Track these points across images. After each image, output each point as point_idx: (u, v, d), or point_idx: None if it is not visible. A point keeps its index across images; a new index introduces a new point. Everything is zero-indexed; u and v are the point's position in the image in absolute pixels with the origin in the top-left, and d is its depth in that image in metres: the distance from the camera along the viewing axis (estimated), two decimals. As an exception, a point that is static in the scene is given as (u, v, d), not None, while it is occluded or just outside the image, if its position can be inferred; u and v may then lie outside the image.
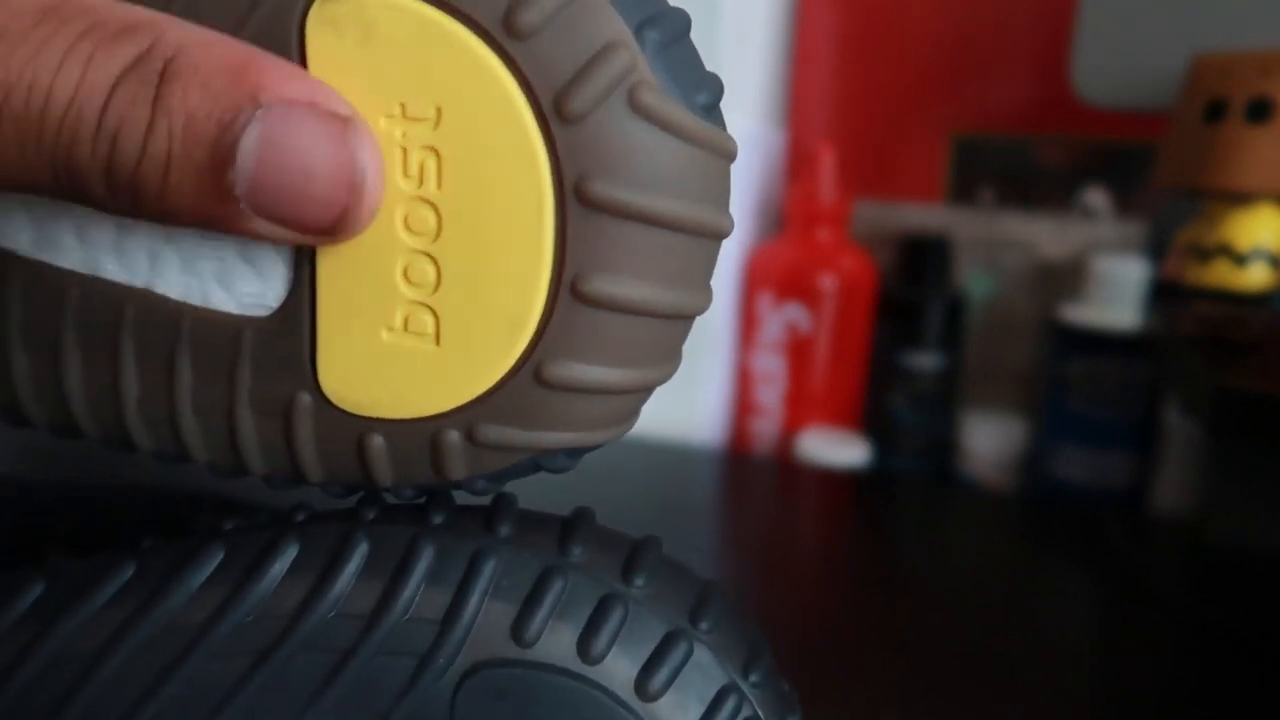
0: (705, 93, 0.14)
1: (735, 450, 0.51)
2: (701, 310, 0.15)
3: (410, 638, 0.14)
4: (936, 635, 0.31)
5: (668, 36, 0.13)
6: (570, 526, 0.15)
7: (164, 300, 0.14)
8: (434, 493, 0.16)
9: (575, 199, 0.13)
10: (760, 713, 0.15)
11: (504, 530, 0.15)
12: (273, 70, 0.12)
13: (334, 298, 0.14)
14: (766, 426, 0.51)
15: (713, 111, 0.14)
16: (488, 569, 0.14)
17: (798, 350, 0.49)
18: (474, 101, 0.13)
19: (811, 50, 0.54)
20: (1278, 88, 0.35)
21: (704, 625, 0.15)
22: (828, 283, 0.48)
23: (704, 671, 0.14)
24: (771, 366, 0.50)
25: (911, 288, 0.49)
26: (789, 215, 0.50)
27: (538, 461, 0.15)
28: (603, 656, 0.14)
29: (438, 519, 0.15)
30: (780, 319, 0.49)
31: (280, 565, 0.14)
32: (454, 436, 0.14)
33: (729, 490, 0.44)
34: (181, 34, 0.12)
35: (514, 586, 0.14)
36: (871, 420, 0.51)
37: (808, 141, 0.54)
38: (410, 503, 0.16)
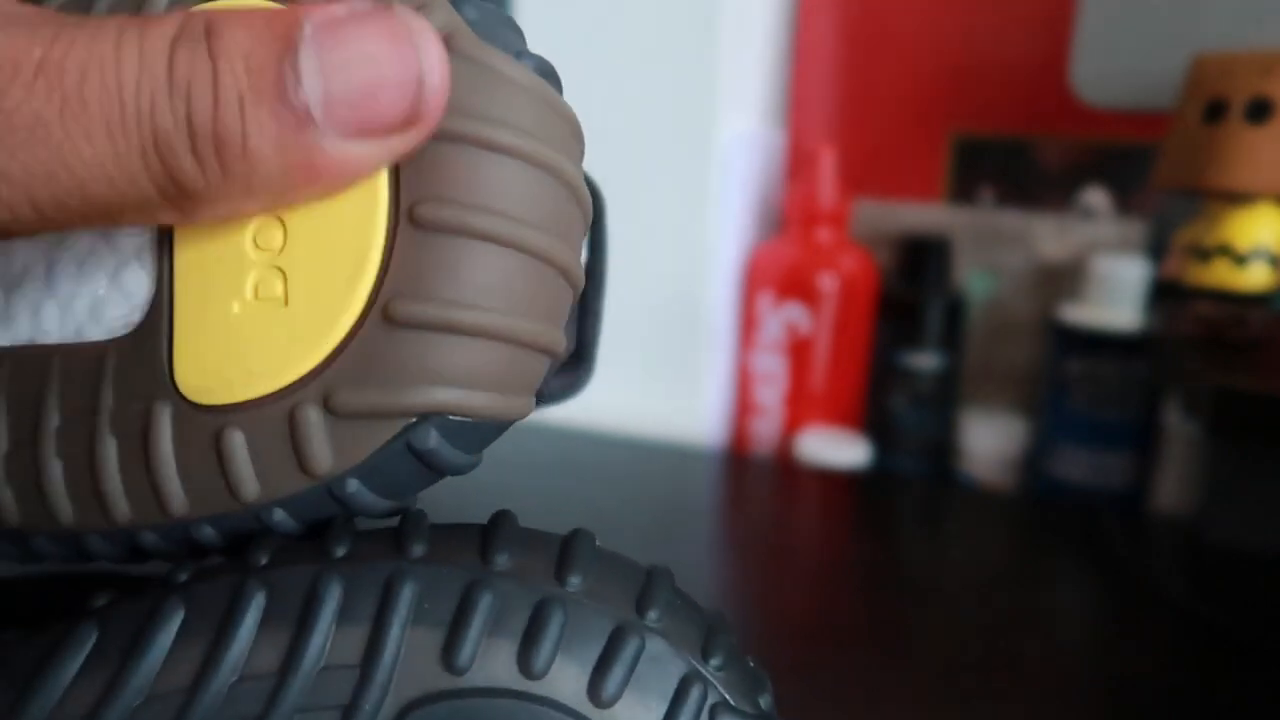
0: (528, 58, 0.14)
1: (735, 450, 0.51)
2: (556, 256, 0.14)
3: (329, 689, 0.12)
4: (936, 635, 0.31)
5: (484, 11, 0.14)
6: (491, 533, 0.14)
7: (40, 348, 0.14)
8: (330, 524, 0.14)
9: None
10: (728, 696, 0.14)
11: (417, 549, 0.13)
12: (303, 2, 0.12)
13: (190, 285, 0.14)
14: (766, 426, 0.51)
15: (544, 73, 0.14)
16: (405, 595, 0.13)
17: (798, 350, 0.49)
18: None
19: (811, 50, 0.54)
20: (1278, 88, 0.35)
21: (653, 614, 0.14)
22: (828, 283, 0.48)
23: (661, 664, 0.13)
24: (771, 366, 0.50)
25: (911, 288, 0.49)
26: (789, 215, 0.50)
27: (415, 448, 0.13)
28: (547, 668, 0.13)
29: (340, 550, 0.14)
30: (780, 319, 0.49)
31: (165, 636, 0.13)
32: (311, 412, 0.13)
33: (729, 490, 0.44)
34: (204, 8, 0.12)
35: (437, 609, 0.13)
36: (871, 420, 0.51)
37: (808, 141, 0.54)
38: (309, 539, 0.14)
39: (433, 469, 0.14)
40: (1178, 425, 0.42)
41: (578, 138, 0.15)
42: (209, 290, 0.13)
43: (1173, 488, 0.43)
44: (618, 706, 0.13)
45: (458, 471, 0.14)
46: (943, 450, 0.50)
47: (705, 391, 0.50)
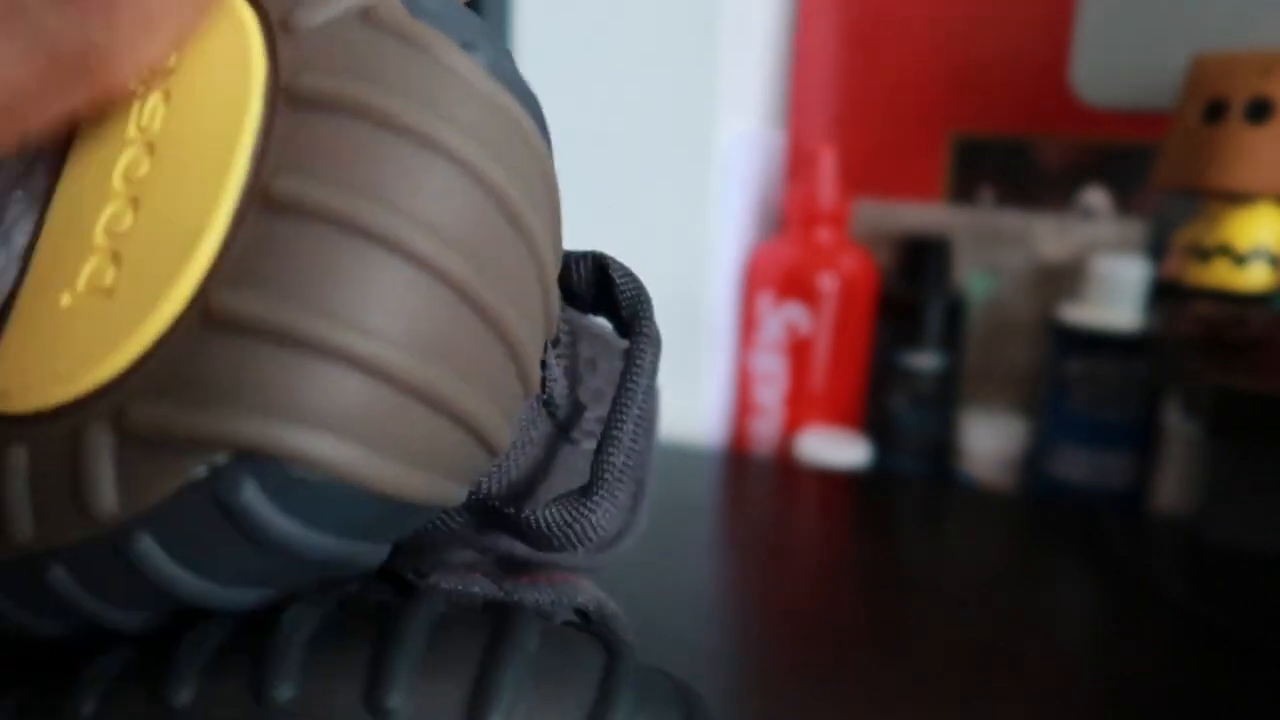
0: (481, 52, 0.11)
1: (735, 450, 0.51)
2: (477, 292, 0.11)
3: None
4: (937, 635, 0.31)
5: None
6: (381, 663, 0.10)
7: None
8: (179, 643, 0.11)
9: (286, 99, 0.11)
10: None
11: (283, 692, 0.10)
12: None
13: (39, 270, 0.12)
14: (766, 426, 0.51)
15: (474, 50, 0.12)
16: None
17: (798, 350, 0.49)
18: (209, 32, 0.11)
19: (811, 50, 0.54)
20: (1278, 88, 0.35)
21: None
22: (828, 283, 0.48)
23: None
24: (771, 366, 0.50)
25: (911, 288, 0.49)
26: (789, 215, 0.50)
27: (222, 500, 0.10)
28: None
29: (183, 696, 0.10)
30: (780, 319, 0.49)
31: None
32: (98, 432, 0.10)
33: (729, 490, 0.44)
34: None
35: None
36: (871, 420, 0.51)
37: (808, 141, 0.54)
38: (146, 664, 0.11)
39: (254, 541, 0.10)
40: (1178, 425, 0.42)
41: (535, 168, 0.12)
42: (50, 278, 0.11)
43: (1173, 488, 0.43)
44: None
45: (312, 559, 0.10)
46: (943, 450, 0.50)
47: (705, 391, 0.50)
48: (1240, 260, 0.37)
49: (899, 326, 0.49)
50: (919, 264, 0.49)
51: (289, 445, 0.09)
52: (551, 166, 0.12)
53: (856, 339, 0.50)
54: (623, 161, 0.48)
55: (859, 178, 0.53)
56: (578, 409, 0.16)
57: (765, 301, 0.50)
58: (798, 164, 0.55)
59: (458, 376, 0.11)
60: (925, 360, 0.49)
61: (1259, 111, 0.35)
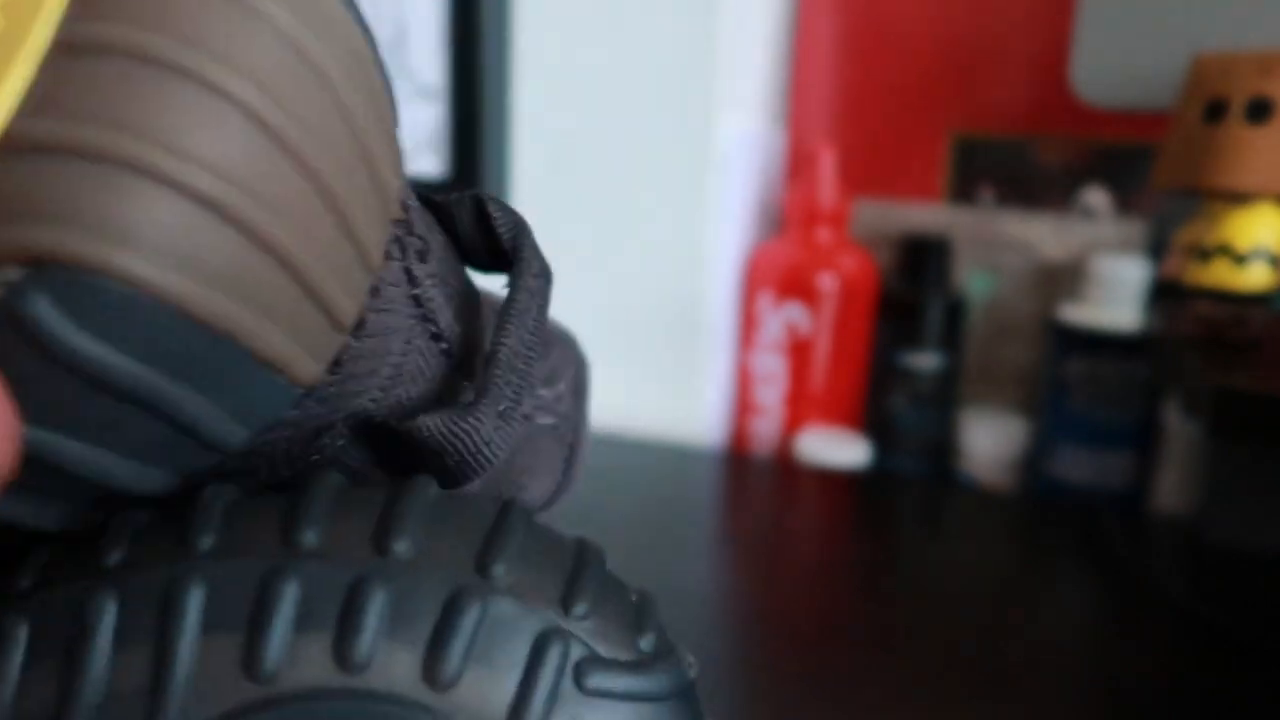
0: None
1: (735, 450, 0.51)
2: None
3: None
4: (936, 635, 0.31)
5: None
6: (296, 506, 0.12)
7: None
8: (107, 524, 0.12)
9: None
10: (596, 648, 0.12)
11: (205, 542, 0.11)
12: None
13: None
14: (766, 426, 0.51)
15: None
16: (191, 602, 0.11)
17: (798, 350, 0.49)
18: None
19: (811, 50, 0.54)
20: (1278, 88, 0.35)
21: (499, 569, 0.12)
22: (828, 283, 0.48)
23: (509, 627, 0.11)
24: (771, 366, 0.50)
25: (911, 288, 0.49)
26: (789, 215, 0.50)
27: (17, 313, 0.09)
28: (370, 658, 0.11)
29: (114, 556, 0.11)
30: (780, 319, 0.49)
31: None
32: None
33: (729, 490, 0.44)
34: None
35: (232, 611, 0.11)
36: (871, 420, 0.51)
37: (808, 141, 0.54)
38: (77, 542, 0.12)
39: (52, 360, 0.09)
40: (1178, 425, 0.42)
41: (346, 44, 0.12)
42: None
43: (1173, 488, 0.43)
44: (460, 686, 0.11)
45: (120, 385, 0.10)
46: (943, 450, 0.50)
47: (705, 391, 0.50)
48: (1240, 260, 0.37)
49: (899, 326, 0.49)
50: (919, 264, 0.49)
51: (81, 253, 0.09)
52: (366, 47, 0.12)
53: (856, 339, 0.50)
54: (623, 161, 0.48)
55: (859, 178, 0.53)
56: (496, 362, 0.15)
57: (765, 301, 0.50)
58: (798, 164, 0.55)
59: (268, 210, 0.10)
60: (925, 360, 0.49)
61: (1259, 111, 0.35)
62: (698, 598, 0.33)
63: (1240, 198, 0.37)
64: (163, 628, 0.11)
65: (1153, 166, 0.40)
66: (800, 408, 0.50)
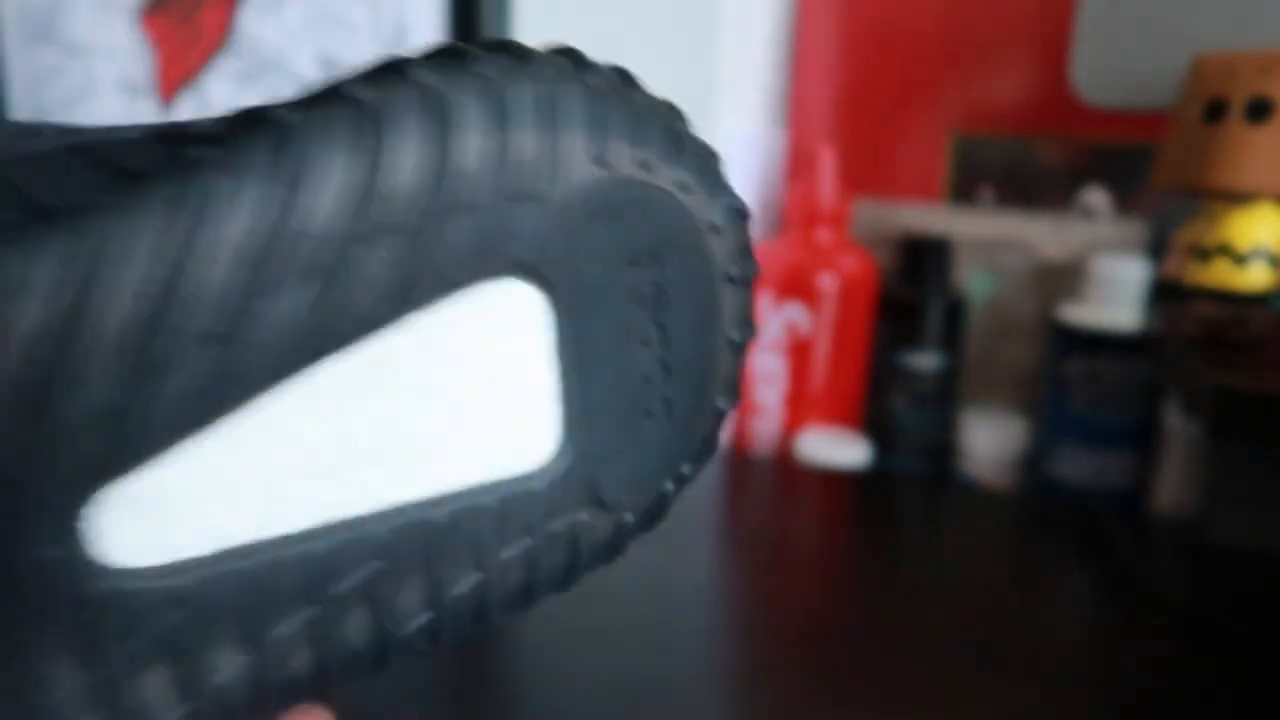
0: None
1: (735, 450, 0.51)
2: None
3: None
4: (936, 635, 0.31)
5: None
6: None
7: None
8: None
9: None
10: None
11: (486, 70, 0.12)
12: None
13: None
14: (766, 426, 0.51)
15: None
16: (526, 99, 0.12)
17: (798, 350, 0.49)
18: None
19: (811, 50, 0.54)
20: (1278, 88, 0.35)
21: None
22: (828, 283, 0.48)
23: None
24: (771, 366, 0.50)
25: (911, 288, 0.49)
26: (789, 215, 0.50)
27: None
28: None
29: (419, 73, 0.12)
30: (780, 319, 0.49)
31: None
32: None
33: (729, 490, 0.44)
34: None
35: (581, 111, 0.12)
36: (871, 420, 0.51)
37: (808, 141, 0.54)
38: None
39: None
40: (1178, 425, 0.42)
41: None
42: None
43: (1173, 488, 0.43)
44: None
45: None
46: (943, 450, 0.50)
47: (705, 391, 0.49)
48: (1240, 260, 0.37)
49: (899, 327, 0.49)
50: (919, 264, 0.49)
51: None
52: None
53: (856, 339, 0.50)
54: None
55: (859, 178, 0.53)
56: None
57: (765, 301, 0.50)
58: (798, 164, 0.55)
59: None
60: (925, 360, 0.49)
61: (1259, 111, 0.35)
62: (698, 597, 0.33)
63: (1240, 198, 0.37)
64: (553, 115, 0.12)
65: (1152, 166, 0.40)
66: (800, 408, 0.50)
